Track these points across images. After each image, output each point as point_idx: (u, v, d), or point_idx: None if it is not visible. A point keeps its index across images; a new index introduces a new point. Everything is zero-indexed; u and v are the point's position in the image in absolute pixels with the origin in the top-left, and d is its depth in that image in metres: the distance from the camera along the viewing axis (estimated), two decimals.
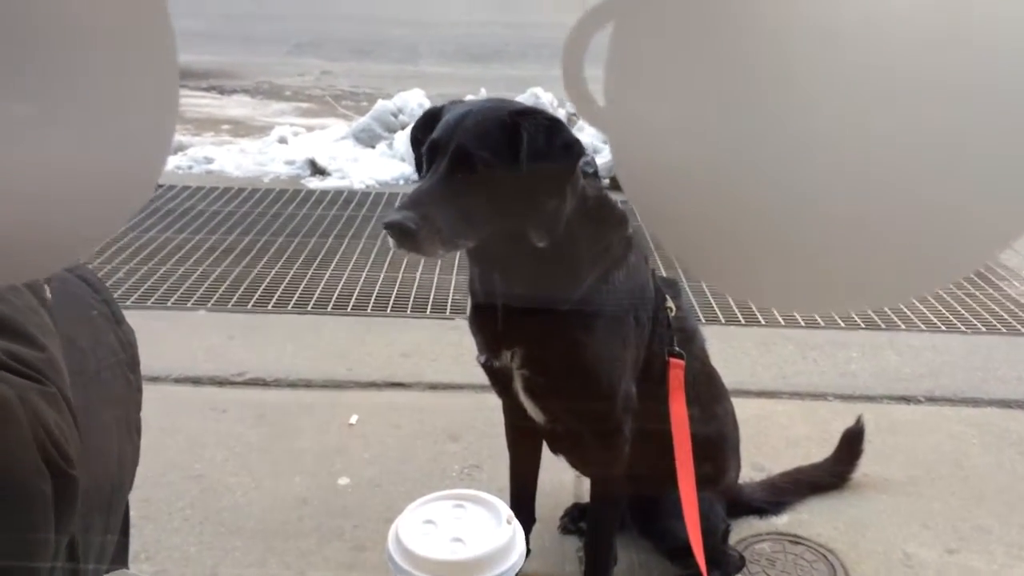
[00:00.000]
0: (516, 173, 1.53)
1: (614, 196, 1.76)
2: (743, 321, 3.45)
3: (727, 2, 0.32)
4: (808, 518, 2.31)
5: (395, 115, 5.55)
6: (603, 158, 5.13)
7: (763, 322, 3.43)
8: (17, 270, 0.39)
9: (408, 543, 0.88)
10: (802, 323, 3.45)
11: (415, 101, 5.70)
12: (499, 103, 1.71)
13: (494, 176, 1.54)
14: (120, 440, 1.13)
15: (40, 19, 0.33)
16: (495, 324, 1.74)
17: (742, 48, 0.31)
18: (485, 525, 0.91)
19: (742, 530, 2.24)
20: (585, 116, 0.36)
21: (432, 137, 1.60)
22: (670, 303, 1.80)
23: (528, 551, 1.77)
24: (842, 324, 3.46)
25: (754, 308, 3.52)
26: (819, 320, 3.47)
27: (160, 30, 0.35)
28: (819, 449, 2.62)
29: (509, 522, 0.91)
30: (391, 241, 1.51)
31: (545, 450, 2.03)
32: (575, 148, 1.59)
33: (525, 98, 5.69)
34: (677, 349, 1.79)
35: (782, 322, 3.46)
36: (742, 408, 2.23)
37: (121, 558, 1.17)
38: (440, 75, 7.86)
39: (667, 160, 0.33)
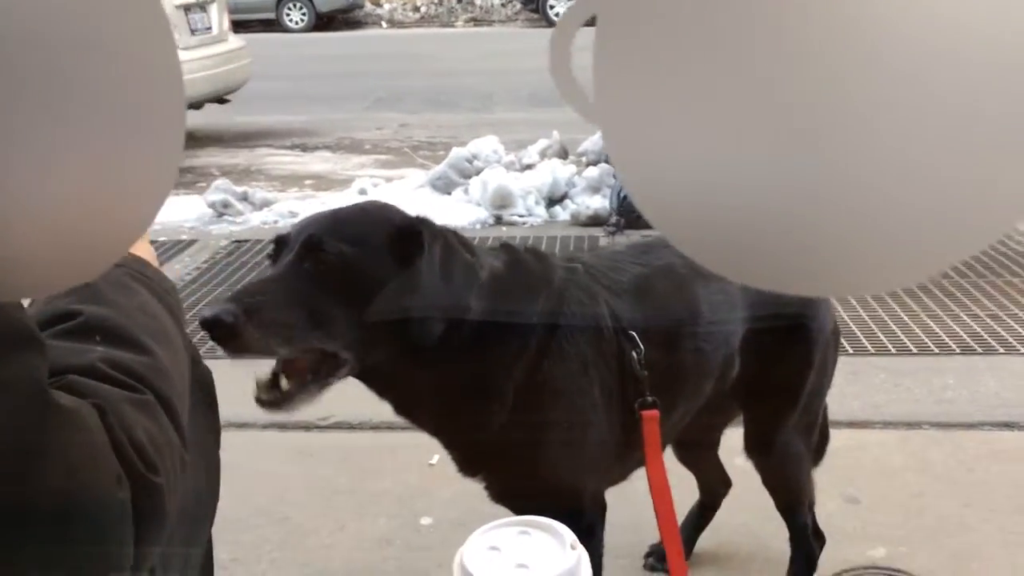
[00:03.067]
0: (389, 271, 1.36)
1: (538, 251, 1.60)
2: None
3: None
4: (908, 551, 2.21)
5: (470, 161, 5.64)
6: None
7: (851, 351, 3.33)
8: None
9: (473, 569, 0.88)
10: (893, 350, 3.33)
11: (489, 147, 5.78)
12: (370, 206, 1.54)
13: (350, 272, 1.35)
14: (197, 478, 1.16)
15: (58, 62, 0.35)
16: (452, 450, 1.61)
17: (737, 28, 0.31)
18: (550, 550, 0.90)
19: (836, 563, 2.15)
20: (577, 110, 0.37)
21: (279, 234, 1.43)
22: (639, 344, 1.52)
23: None
24: (936, 350, 3.33)
25: (843, 340, 3.42)
26: (911, 346, 3.35)
27: (169, 72, 0.36)
28: (916, 479, 2.52)
29: (574, 547, 0.90)
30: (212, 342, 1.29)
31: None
32: (474, 273, 1.43)
33: (596, 139, 5.72)
34: (650, 399, 1.51)
35: (871, 349, 3.35)
36: (832, 439, 2.16)
37: None
38: (514, 120, 7.98)
39: (663, 151, 0.33)
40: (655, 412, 1.51)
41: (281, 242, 1.42)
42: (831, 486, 2.37)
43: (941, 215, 0.33)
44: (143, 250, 1.00)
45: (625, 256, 1.68)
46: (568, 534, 0.91)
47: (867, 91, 0.30)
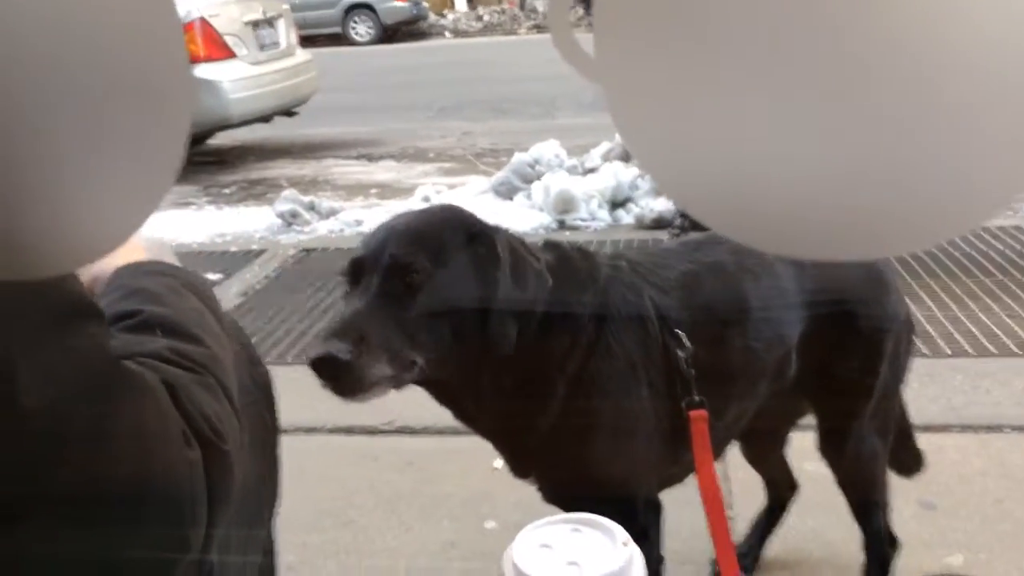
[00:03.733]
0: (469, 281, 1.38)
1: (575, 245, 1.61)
2: None
3: None
4: (987, 558, 2.12)
5: (532, 166, 5.64)
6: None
7: (927, 353, 3.22)
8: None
9: (523, 566, 0.87)
10: (971, 351, 3.21)
11: (551, 152, 5.78)
12: (437, 211, 1.54)
13: (438, 288, 1.36)
14: (257, 478, 1.18)
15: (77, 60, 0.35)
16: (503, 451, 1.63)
17: None
18: (601, 548, 0.89)
19: (911, 570, 2.08)
20: (577, 69, 0.36)
21: (355, 256, 1.41)
22: (684, 341, 1.50)
23: None
24: (1017, 350, 3.20)
25: (918, 341, 3.30)
26: (991, 347, 3.23)
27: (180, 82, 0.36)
28: (996, 484, 2.42)
29: (626, 545, 0.88)
30: (322, 383, 1.30)
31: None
32: (544, 279, 1.44)
33: None
34: (697, 398, 1.48)
35: (948, 351, 3.23)
36: None
37: None
38: (577, 125, 7.95)
39: (667, 110, 0.32)
40: (703, 412, 1.48)
41: (358, 265, 1.40)
42: (907, 491, 2.29)
43: (977, 168, 0.31)
44: (135, 252, 1.03)
45: (673, 253, 1.66)
46: (620, 532, 0.90)
47: (903, 37, 0.29)
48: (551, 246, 1.58)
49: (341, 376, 1.28)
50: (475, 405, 1.54)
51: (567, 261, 1.53)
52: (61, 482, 0.67)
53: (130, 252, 0.99)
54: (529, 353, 1.44)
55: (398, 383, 1.38)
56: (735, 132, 0.31)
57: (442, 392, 1.53)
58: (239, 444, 0.85)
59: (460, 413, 1.57)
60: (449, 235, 1.42)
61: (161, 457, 0.74)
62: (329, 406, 3.39)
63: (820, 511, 2.29)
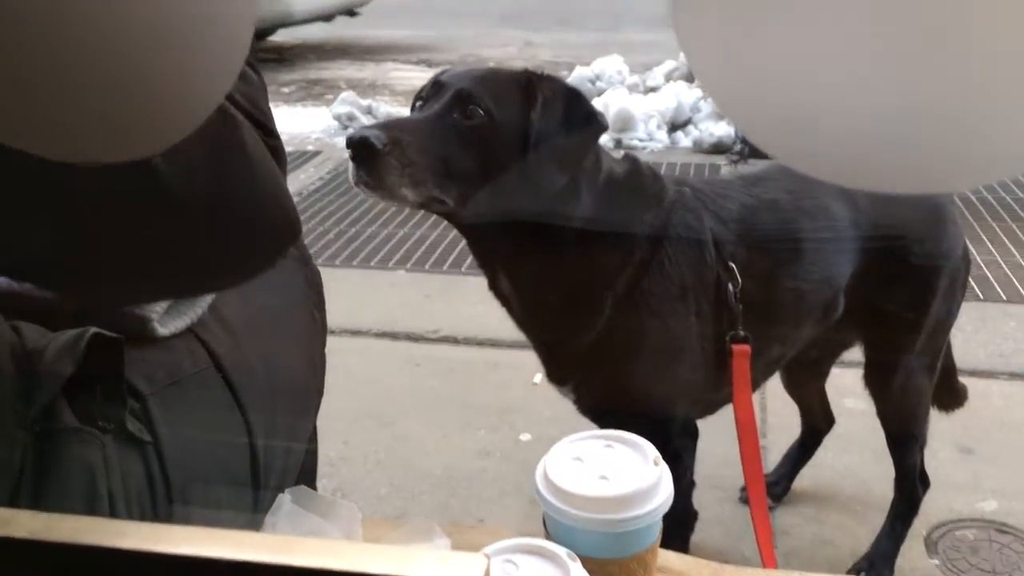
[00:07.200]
0: (522, 134, 1.37)
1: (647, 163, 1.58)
2: None
3: None
4: (1020, 507, 2.11)
5: (592, 82, 5.54)
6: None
7: (982, 297, 3.15)
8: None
9: (555, 477, 0.90)
10: None
11: (613, 68, 5.66)
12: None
13: (493, 131, 1.36)
14: (304, 372, 1.22)
15: None
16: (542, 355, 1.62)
17: None
18: (632, 465, 0.91)
19: (942, 511, 2.09)
20: None
21: (436, 78, 1.45)
22: (736, 277, 1.50)
23: (696, 513, 1.76)
24: None
25: (972, 283, 3.23)
26: None
27: None
28: None
29: (656, 463, 0.90)
30: (351, 169, 1.31)
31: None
32: (596, 122, 1.43)
33: None
34: (742, 333, 1.51)
35: (1004, 297, 3.16)
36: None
37: (306, 481, 1.26)
38: (642, 42, 7.75)
39: (734, 24, 0.31)
40: (746, 347, 1.50)
41: (435, 86, 1.42)
42: (945, 434, 2.28)
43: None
44: None
45: (733, 185, 1.64)
46: (651, 450, 0.92)
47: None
48: (628, 158, 1.56)
49: (368, 164, 1.29)
50: (524, 301, 1.52)
51: (637, 176, 1.52)
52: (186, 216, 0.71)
53: None
54: (585, 260, 1.45)
55: (420, 198, 1.36)
56: (803, 56, 0.30)
57: (493, 279, 1.53)
58: None
59: (509, 308, 1.56)
60: (510, 82, 1.42)
61: (272, 191, 0.80)
62: (376, 311, 3.46)
63: (855, 449, 2.30)
